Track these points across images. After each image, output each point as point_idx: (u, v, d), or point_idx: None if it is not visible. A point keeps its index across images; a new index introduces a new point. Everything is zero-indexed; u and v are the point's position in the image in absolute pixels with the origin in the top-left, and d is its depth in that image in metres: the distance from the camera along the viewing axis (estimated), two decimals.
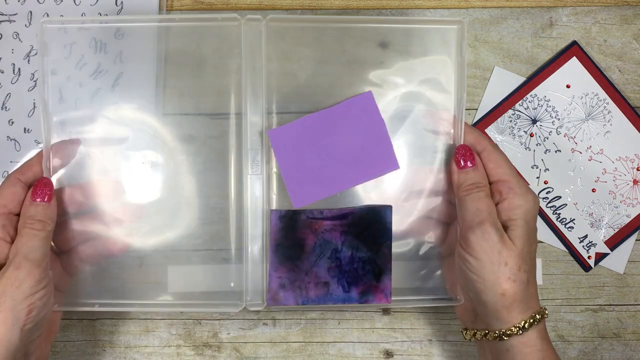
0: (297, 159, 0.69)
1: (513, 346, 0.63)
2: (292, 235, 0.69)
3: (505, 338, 0.63)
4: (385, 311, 0.79)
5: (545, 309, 0.64)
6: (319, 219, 0.68)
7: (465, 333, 0.68)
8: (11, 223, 0.63)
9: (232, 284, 0.73)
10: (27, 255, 0.61)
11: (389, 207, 0.68)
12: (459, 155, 0.66)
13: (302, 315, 0.78)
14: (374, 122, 0.70)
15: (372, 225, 0.69)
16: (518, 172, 0.66)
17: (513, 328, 0.62)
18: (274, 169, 0.71)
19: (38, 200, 0.64)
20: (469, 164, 0.66)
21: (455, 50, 0.70)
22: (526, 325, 0.62)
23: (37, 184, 0.65)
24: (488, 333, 0.64)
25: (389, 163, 0.69)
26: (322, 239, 0.68)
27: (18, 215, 0.64)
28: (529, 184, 0.66)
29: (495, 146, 0.67)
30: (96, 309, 0.72)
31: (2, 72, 0.77)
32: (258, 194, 0.71)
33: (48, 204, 0.64)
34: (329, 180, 0.69)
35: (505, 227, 0.64)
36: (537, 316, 0.62)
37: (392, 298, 0.70)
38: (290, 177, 0.70)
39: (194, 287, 0.78)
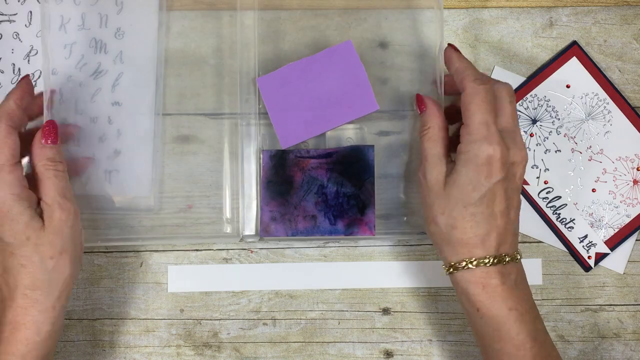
0: (283, 103, 0.75)
1: (452, 282, 0.67)
2: (282, 172, 0.74)
3: (446, 273, 0.67)
4: (385, 311, 0.79)
5: (492, 259, 0.65)
6: (306, 157, 0.73)
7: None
8: (22, 170, 0.64)
9: (227, 216, 0.77)
10: (64, 195, 0.63)
11: (371, 147, 0.73)
12: (416, 103, 0.71)
13: (302, 315, 0.78)
14: (354, 67, 0.75)
15: (355, 163, 0.74)
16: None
17: (443, 266, 0.67)
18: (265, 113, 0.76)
19: (50, 142, 0.65)
20: (420, 108, 0.70)
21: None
22: (452, 267, 0.66)
23: (47, 127, 0.65)
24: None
25: (368, 104, 0.75)
26: (309, 176, 0.73)
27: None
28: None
29: (475, 89, 0.65)
30: (99, 244, 0.75)
31: (2, 72, 0.77)
32: (252, 136, 0.76)
33: (59, 146, 0.66)
34: (313, 121, 0.75)
35: (452, 169, 0.66)
36: (469, 263, 0.65)
37: (377, 232, 0.75)
38: (277, 120, 0.75)
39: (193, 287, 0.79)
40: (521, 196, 0.79)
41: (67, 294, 0.64)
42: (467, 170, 0.64)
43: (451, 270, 0.66)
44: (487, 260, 0.64)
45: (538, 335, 0.65)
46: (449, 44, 0.71)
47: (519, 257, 0.67)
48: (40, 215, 0.63)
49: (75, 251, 0.64)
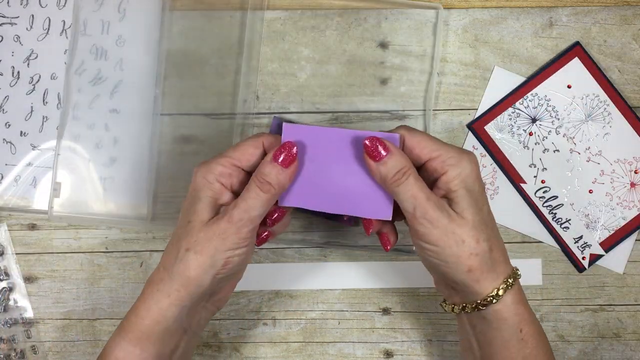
0: (299, 160, 0.63)
1: (489, 314, 0.62)
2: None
3: (482, 308, 0.62)
4: (385, 311, 0.79)
5: (517, 270, 0.63)
6: None
7: (445, 305, 0.67)
8: (238, 176, 0.63)
9: None
10: (247, 211, 0.61)
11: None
12: (369, 149, 0.61)
13: (302, 315, 0.79)
14: None
15: None
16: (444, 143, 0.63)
17: (488, 298, 0.61)
18: None
19: (277, 162, 0.61)
20: (382, 152, 0.61)
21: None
22: (500, 293, 0.61)
23: (284, 146, 0.62)
24: (466, 306, 0.63)
25: (381, 209, 0.65)
26: None
27: (247, 173, 0.63)
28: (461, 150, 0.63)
29: (410, 129, 0.64)
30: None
31: (1, 75, 0.78)
32: None
33: (283, 170, 0.61)
34: (318, 195, 0.65)
35: (449, 201, 0.61)
36: (510, 280, 0.62)
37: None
38: None
39: None
40: (518, 195, 0.79)
41: (188, 294, 0.62)
42: (469, 190, 0.61)
43: (495, 299, 0.61)
44: (519, 273, 0.63)
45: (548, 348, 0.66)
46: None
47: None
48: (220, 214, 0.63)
49: (215, 263, 0.61)
